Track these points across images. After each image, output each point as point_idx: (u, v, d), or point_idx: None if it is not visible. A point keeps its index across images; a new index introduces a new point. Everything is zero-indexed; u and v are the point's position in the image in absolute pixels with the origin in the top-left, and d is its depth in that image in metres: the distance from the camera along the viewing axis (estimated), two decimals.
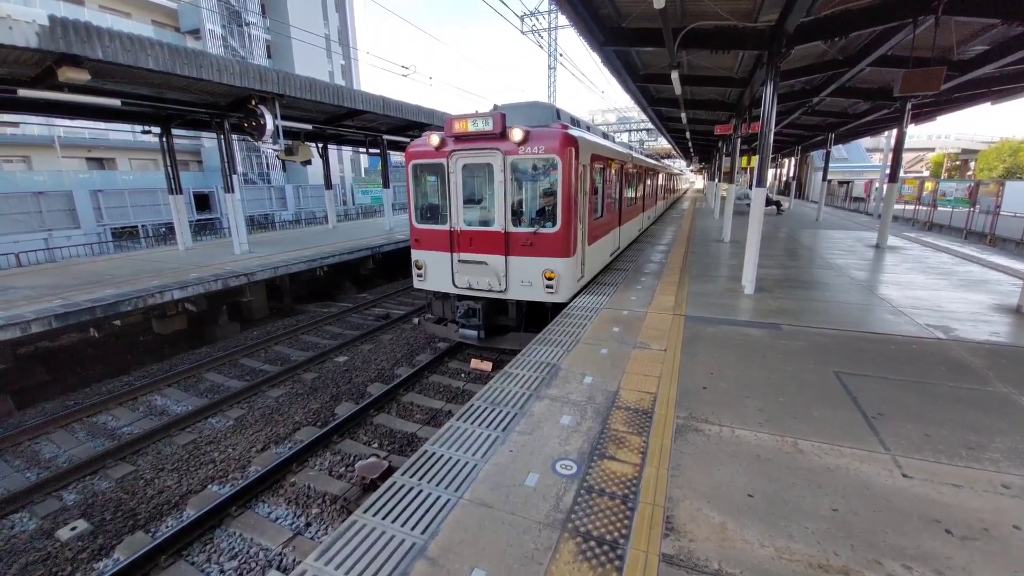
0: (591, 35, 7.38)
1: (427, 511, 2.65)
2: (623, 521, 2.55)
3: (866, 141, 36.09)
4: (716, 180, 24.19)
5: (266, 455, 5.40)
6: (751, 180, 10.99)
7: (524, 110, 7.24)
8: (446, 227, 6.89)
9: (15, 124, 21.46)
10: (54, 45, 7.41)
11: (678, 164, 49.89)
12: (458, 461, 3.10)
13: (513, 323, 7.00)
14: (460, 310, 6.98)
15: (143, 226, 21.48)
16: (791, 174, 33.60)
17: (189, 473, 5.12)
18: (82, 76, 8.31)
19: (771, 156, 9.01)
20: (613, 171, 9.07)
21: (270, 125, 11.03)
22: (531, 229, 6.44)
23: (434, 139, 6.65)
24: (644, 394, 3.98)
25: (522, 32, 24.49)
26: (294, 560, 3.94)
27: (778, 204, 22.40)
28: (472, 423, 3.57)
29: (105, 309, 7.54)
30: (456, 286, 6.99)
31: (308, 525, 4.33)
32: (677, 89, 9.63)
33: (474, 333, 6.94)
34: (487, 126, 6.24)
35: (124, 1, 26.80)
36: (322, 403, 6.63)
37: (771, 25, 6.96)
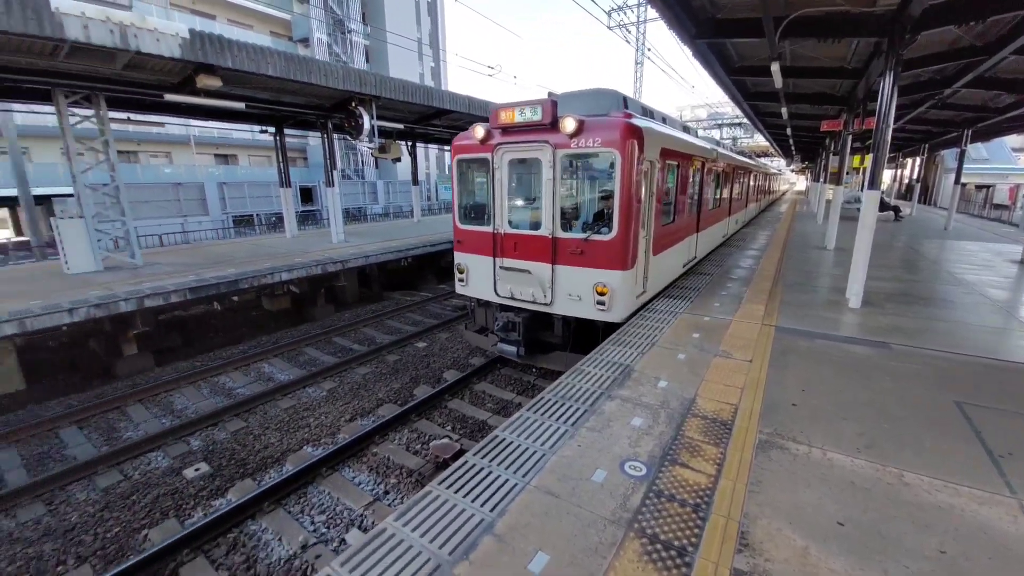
0: (682, 28, 7.04)
1: (495, 491, 2.77)
2: (693, 529, 2.49)
3: (1013, 139, 30.66)
4: (821, 181, 22.04)
5: (353, 425, 5.92)
6: (863, 182, 9.88)
7: (584, 98, 6.37)
8: (489, 229, 6.26)
9: (161, 124, 25.17)
10: (193, 55, 8.60)
11: (776, 163, 46.02)
12: (526, 449, 3.19)
13: (559, 341, 6.24)
14: (499, 322, 6.31)
15: (257, 215, 24.26)
16: (915, 176, 29.56)
17: (289, 434, 5.77)
18: (215, 82, 9.57)
19: (888, 155, 7.95)
20: (691, 169, 7.97)
21: (367, 125, 11.91)
22: (582, 235, 5.61)
23: (479, 131, 6.02)
24: (724, 404, 3.80)
25: (608, 27, 23.99)
26: (373, 523, 4.30)
27: (896, 209, 19.84)
28: (542, 415, 3.65)
29: (228, 286, 8.67)
30: (498, 295, 6.36)
31: (386, 493, 4.69)
32: (778, 82, 8.89)
33: (513, 349, 6.27)
34: (535, 115, 5.52)
35: (247, 15, 30.20)
36: (402, 384, 7.09)
37: (892, 9, 6.18)
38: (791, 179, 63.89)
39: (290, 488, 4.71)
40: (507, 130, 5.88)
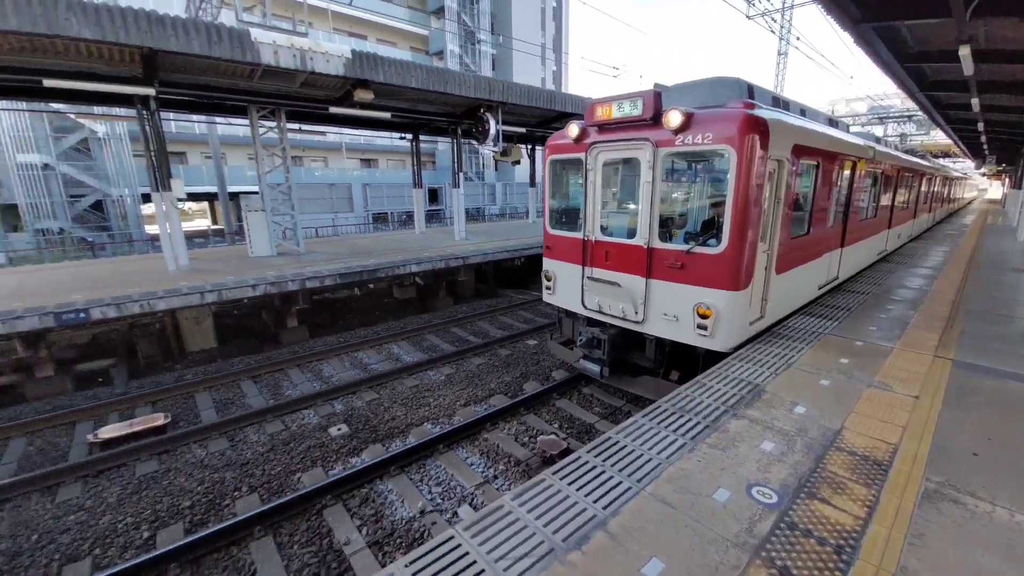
0: (842, 11, 6.21)
1: (608, 491, 2.78)
2: (833, 572, 2.23)
3: None
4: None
5: (467, 410, 6.34)
6: None
7: (699, 89, 5.57)
8: (580, 235, 5.85)
9: (322, 133, 29.32)
10: (353, 72, 9.86)
11: (960, 165, 38.05)
12: (640, 455, 3.14)
13: (650, 364, 5.61)
14: (582, 337, 5.85)
15: (391, 212, 27.03)
16: None
17: (412, 410, 6.38)
18: (368, 95, 10.87)
19: None
20: (836, 170, 6.69)
21: (493, 129, 12.57)
22: (684, 247, 4.87)
23: (573, 130, 5.60)
24: (879, 442, 3.31)
25: (748, 16, 21.97)
26: (482, 502, 4.57)
27: None
28: (657, 423, 3.54)
29: (369, 274, 9.84)
30: (585, 307, 5.92)
31: (495, 477, 4.95)
32: (967, 69, 7.36)
33: (595, 368, 5.79)
34: (635, 110, 4.94)
35: (392, 33, 33.59)
36: (513, 377, 7.38)
37: None
38: (980, 184, 52.29)
39: (412, 458, 5.21)
40: (603, 127, 5.39)
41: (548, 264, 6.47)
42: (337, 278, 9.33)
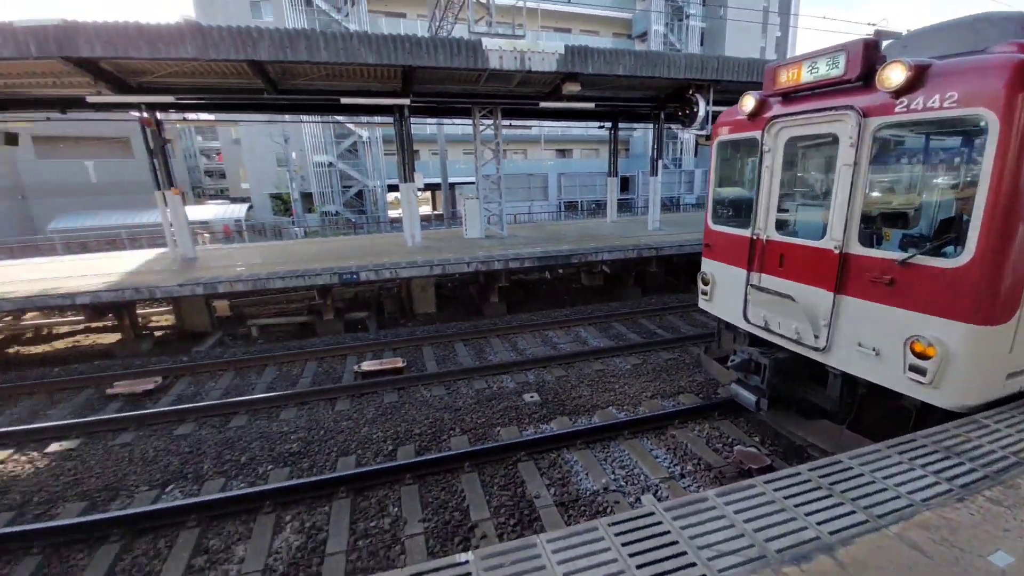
0: None
1: (835, 516, 2.45)
2: None
3: None
4: None
5: (653, 403, 6.26)
6: None
7: (950, 33, 4.04)
8: (747, 233, 4.79)
9: (528, 127, 31.67)
10: (565, 67, 10.33)
11: None
12: (883, 489, 2.65)
13: (832, 407, 4.35)
14: (736, 357, 4.82)
15: (581, 201, 27.74)
16: None
17: (597, 392, 6.61)
18: (576, 87, 11.27)
19: None
20: None
21: (702, 112, 11.67)
22: (898, 254, 3.55)
23: (748, 102, 4.61)
24: None
25: None
26: (667, 495, 4.50)
27: None
28: (909, 459, 2.92)
29: (563, 259, 10.42)
30: (748, 320, 4.88)
31: (682, 476, 4.80)
32: None
33: (751, 398, 4.72)
34: (834, 69, 3.79)
35: (594, 22, 33.69)
36: (706, 379, 6.94)
37: None
38: None
39: (596, 436, 5.43)
40: (789, 97, 4.32)
41: (707, 265, 5.59)
42: (535, 261, 10.14)
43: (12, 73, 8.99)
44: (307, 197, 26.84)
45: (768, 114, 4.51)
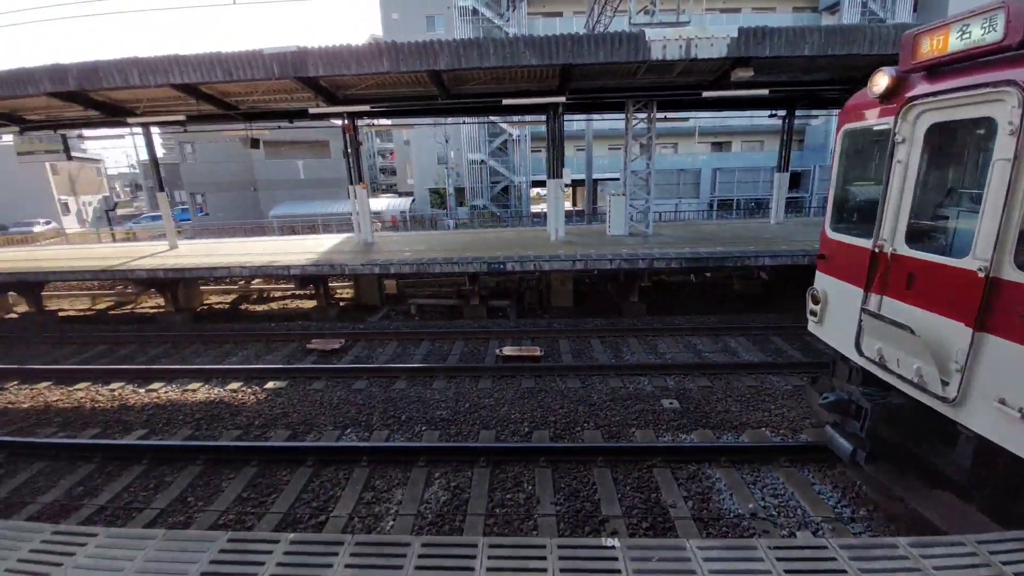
0: None
1: None
2: None
3: None
4: None
5: (819, 431, 5.45)
6: None
7: None
8: (868, 243, 3.85)
9: (684, 119, 29.73)
10: (736, 52, 9.42)
11: None
12: None
13: (961, 478, 3.27)
14: (831, 396, 4.04)
15: (737, 199, 25.14)
16: None
17: (748, 410, 6.01)
18: (748, 73, 10.21)
19: None
20: None
21: None
22: None
23: (880, 80, 3.67)
24: None
25: None
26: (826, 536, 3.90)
27: None
28: None
29: (715, 261, 9.63)
30: (861, 353, 3.92)
31: (852, 520, 4.12)
32: None
33: (846, 447, 3.92)
34: (990, 33, 2.88)
35: None
36: None
37: None
38: None
39: (744, 457, 4.95)
40: (934, 72, 3.39)
41: (820, 280, 4.65)
42: (683, 261, 9.56)
43: (259, 91, 11.57)
44: (459, 192, 29.31)
45: (904, 94, 3.59)
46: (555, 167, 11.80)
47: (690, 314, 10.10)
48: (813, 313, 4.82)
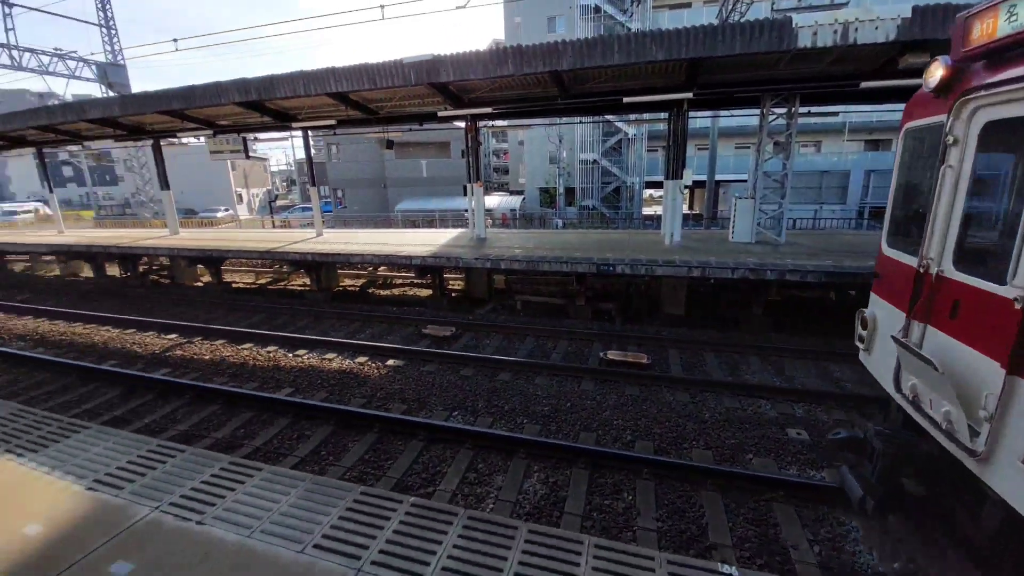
0: None
1: None
2: None
3: None
4: None
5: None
6: None
7: None
8: (914, 261, 3.30)
9: (834, 114, 26.16)
10: (908, 34, 8.01)
11: None
12: None
13: (985, 542, 2.77)
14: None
15: None
16: None
17: None
18: (922, 58, 8.64)
19: None
20: None
21: None
22: None
23: (935, 71, 3.15)
24: None
25: None
26: None
27: None
28: None
29: (865, 278, 8.34)
30: (899, 390, 3.38)
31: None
32: None
33: (857, 490, 3.46)
34: None
35: None
36: None
37: None
38: None
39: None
40: (992, 58, 2.79)
41: (873, 303, 4.04)
42: (822, 276, 8.43)
43: (396, 97, 12.76)
44: (569, 192, 29.26)
45: (961, 85, 3.03)
46: (675, 167, 11.19)
47: (827, 336, 8.89)
48: (861, 339, 4.21)
